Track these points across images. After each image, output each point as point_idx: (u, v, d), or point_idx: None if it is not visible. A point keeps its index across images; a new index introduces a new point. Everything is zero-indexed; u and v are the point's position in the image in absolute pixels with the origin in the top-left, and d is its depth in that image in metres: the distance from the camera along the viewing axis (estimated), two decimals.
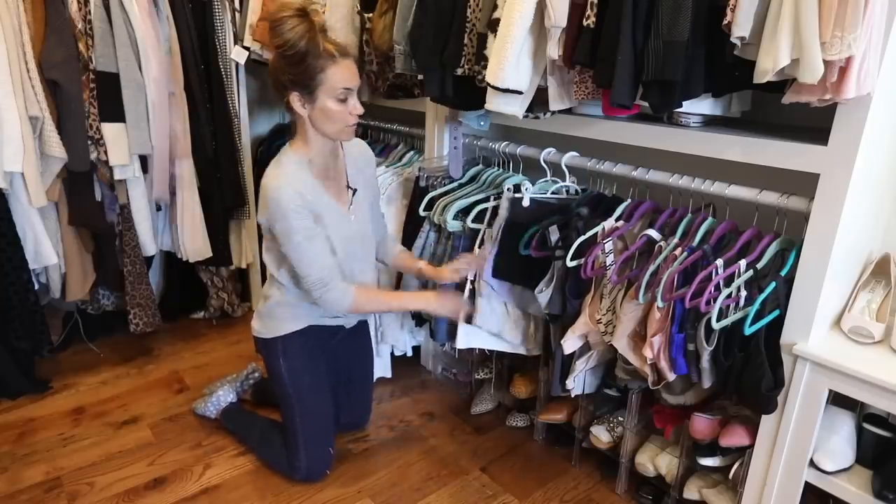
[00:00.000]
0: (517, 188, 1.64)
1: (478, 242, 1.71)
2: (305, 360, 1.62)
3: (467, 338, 1.74)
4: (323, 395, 1.65)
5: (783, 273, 1.22)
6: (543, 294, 1.55)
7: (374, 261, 1.69)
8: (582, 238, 1.45)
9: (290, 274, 1.54)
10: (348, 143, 1.58)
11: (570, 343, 1.52)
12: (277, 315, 1.60)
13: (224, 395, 1.93)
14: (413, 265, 1.74)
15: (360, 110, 1.41)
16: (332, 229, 1.50)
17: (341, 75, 1.35)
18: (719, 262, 1.23)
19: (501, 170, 1.88)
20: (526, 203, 1.60)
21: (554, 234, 1.54)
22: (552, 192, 1.65)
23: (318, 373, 1.64)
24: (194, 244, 2.25)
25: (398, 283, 2.00)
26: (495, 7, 1.42)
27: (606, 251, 1.41)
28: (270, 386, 1.78)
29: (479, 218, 1.73)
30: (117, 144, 1.93)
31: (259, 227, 1.53)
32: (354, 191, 1.58)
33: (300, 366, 1.61)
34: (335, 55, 1.33)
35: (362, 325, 1.81)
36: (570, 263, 1.45)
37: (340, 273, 1.53)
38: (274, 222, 1.41)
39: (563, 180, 1.66)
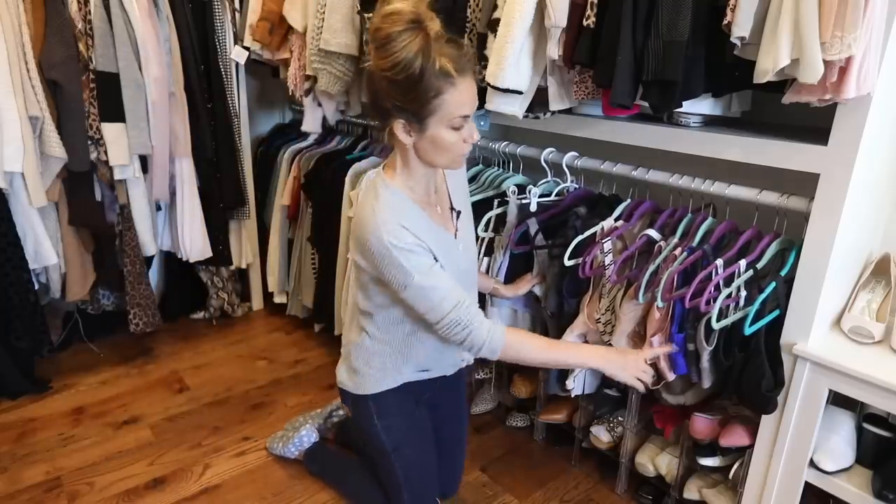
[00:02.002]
0: (520, 189, 1.64)
1: (482, 250, 1.68)
2: (405, 415, 1.38)
3: None
4: (427, 447, 1.42)
5: (783, 273, 1.21)
6: (537, 288, 1.56)
7: (476, 291, 1.42)
8: (580, 238, 1.45)
9: (386, 320, 1.28)
10: None
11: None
12: (366, 370, 1.33)
13: (307, 435, 1.76)
14: (487, 284, 1.58)
15: (477, 137, 1.15)
16: (445, 261, 1.21)
17: (459, 100, 1.08)
18: (719, 262, 1.23)
19: (501, 170, 1.88)
20: (533, 208, 1.59)
21: (533, 227, 1.54)
22: (555, 194, 1.65)
23: (420, 426, 1.41)
24: (194, 244, 2.25)
25: None
26: (495, 7, 1.42)
27: (605, 251, 1.41)
28: (357, 439, 1.70)
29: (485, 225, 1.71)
30: (117, 144, 1.93)
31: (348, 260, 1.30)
32: (458, 213, 1.32)
33: (399, 423, 1.36)
34: (453, 75, 1.05)
35: (460, 373, 1.50)
36: (567, 263, 1.45)
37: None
38: (381, 268, 1.15)
39: (564, 180, 1.66)
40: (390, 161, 1.24)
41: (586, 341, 1.53)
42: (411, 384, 1.36)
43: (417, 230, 1.16)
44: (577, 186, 1.69)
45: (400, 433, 1.36)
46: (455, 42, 1.09)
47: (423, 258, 1.15)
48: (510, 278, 1.62)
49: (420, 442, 1.40)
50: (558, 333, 1.56)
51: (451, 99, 1.07)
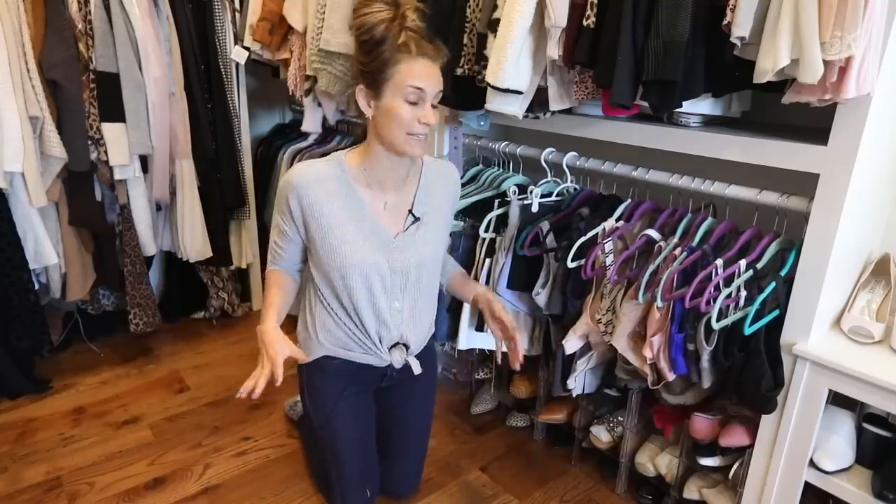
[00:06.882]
0: (520, 189, 1.63)
1: (483, 251, 1.67)
2: (332, 392, 1.40)
3: (468, 339, 1.74)
4: (358, 436, 1.43)
5: (783, 273, 1.21)
6: (541, 296, 1.55)
7: (427, 303, 1.42)
8: (582, 239, 1.45)
9: (314, 291, 1.38)
10: (433, 166, 1.40)
11: (571, 343, 1.52)
12: (300, 336, 1.43)
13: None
14: (467, 291, 1.48)
15: (432, 120, 1.19)
16: (356, 247, 1.28)
17: (412, 71, 1.16)
18: (719, 261, 1.23)
19: (501, 170, 1.88)
20: (535, 209, 1.59)
21: (545, 228, 1.54)
22: (556, 194, 1.65)
23: (354, 411, 1.42)
24: (194, 244, 2.25)
25: None
26: (495, 7, 1.42)
27: (606, 251, 1.41)
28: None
29: (479, 218, 1.71)
30: (117, 144, 1.93)
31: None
32: (416, 219, 1.35)
33: (325, 401, 1.40)
34: (411, 51, 1.15)
35: (423, 378, 1.47)
36: (570, 264, 1.45)
37: (350, 302, 1.32)
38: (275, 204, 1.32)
39: (564, 180, 1.66)
40: (359, 145, 1.33)
41: (588, 342, 1.53)
42: (341, 364, 1.38)
43: (322, 200, 1.26)
44: (576, 187, 1.69)
45: (325, 410, 1.40)
46: (428, 36, 1.18)
47: (285, 219, 1.30)
48: (512, 280, 1.62)
49: (349, 426, 1.41)
50: (562, 334, 1.56)
51: (405, 69, 1.16)
